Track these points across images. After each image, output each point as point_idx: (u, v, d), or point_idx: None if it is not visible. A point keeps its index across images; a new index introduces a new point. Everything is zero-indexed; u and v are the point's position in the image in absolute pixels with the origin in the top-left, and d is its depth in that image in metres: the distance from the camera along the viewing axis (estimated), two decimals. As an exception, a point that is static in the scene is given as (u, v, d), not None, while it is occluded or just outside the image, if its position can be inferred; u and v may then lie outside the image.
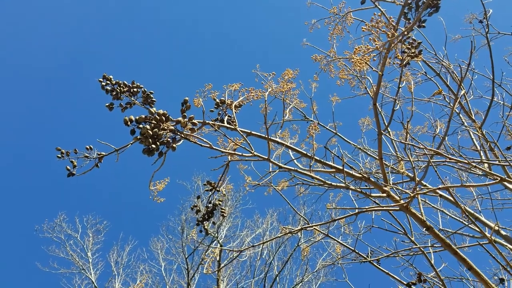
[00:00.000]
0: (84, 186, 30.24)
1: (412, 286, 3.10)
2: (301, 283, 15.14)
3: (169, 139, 2.55)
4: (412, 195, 2.89)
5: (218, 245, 15.90)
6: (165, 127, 2.47)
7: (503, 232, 6.51)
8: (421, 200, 5.82)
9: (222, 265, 15.03)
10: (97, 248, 18.37)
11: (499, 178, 2.81)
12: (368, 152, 6.88)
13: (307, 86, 5.49)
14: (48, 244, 19.13)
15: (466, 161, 2.98)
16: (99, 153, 3.67)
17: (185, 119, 2.59)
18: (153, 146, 2.42)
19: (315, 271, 15.49)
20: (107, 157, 3.68)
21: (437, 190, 6.89)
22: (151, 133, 2.39)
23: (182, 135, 2.60)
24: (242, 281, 16.25)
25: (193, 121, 2.65)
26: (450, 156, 2.87)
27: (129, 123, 2.48)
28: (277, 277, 15.29)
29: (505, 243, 6.29)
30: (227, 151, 3.14)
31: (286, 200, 5.18)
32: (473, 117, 6.48)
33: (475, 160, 6.19)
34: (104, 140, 3.55)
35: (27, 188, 28.84)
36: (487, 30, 6.47)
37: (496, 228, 6.28)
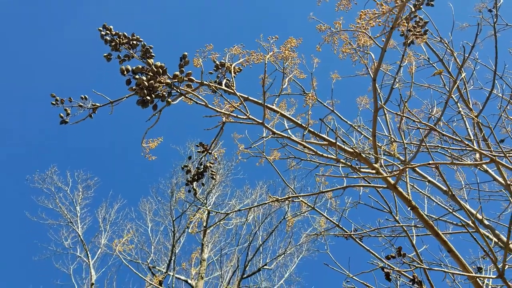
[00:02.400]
0: (78, 141, 30.22)
1: (391, 259, 3.17)
2: (283, 255, 15.43)
3: (164, 93, 2.54)
4: (401, 168, 2.92)
5: (206, 211, 16.07)
6: (162, 80, 2.45)
7: (486, 222, 6.62)
8: (410, 185, 5.89)
9: (208, 227, 15.24)
10: (86, 203, 18.54)
11: (490, 159, 2.85)
12: (363, 132, 6.90)
13: (308, 61, 5.45)
14: (38, 195, 19.22)
15: (459, 139, 3.00)
16: (93, 103, 3.66)
17: (182, 74, 2.57)
18: (148, 98, 2.41)
19: (298, 245, 15.78)
20: (101, 113, 3.67)
21: (426, 176, 6.97)
22: (146, 84, 2.37)
23: (178, 91, 2.59)
24: (226, 248, 16.52)
25: (191, 77, 2.63)
26: (444, 133, 2.88)
27: (125, 72, 2.46)
28: (261, 247, 15.56)
29: (487, 233, 6.40)
30: (222, 111, 3.14)
31: (276, 170, 5.21)
32: (471, 106, 6.49)
33: (467, 145, 6.23)
34: (101, 94, 3.53)
35: (22, 137, 28.80)
36: (495, 20, 6.41)
37: (480, 217, 6.38)
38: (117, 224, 18.11)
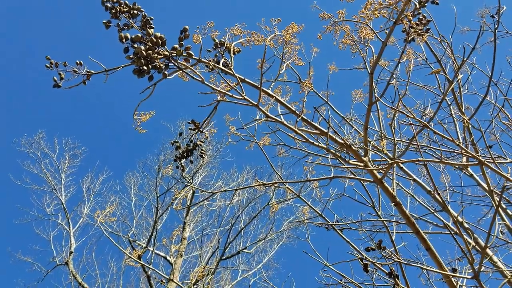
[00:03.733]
0: (68, 109, 29.90)
1: (370, 251, 3.22)
2: (264, 240, 15.56)
3: (162, 65, 2.52)
4: (390, 163, 2.94)
5: (191, 190, 16.09)
6: (160, 52, 2.42)
7: (466, 225, 6.73)
8: (395, 182, 5.95)
9: (193, 204, 15.29)
10: (71, 172, 18.44)
11: (478, 161, 2.88)
12: (354, 126, 6.93)
13: (308, 50, 5.42)
14: (23, 159, 19.06)
15: (449, 138, 3.03)
16: (88, 70, 3.62)
17: (181, 48, 2.54)
18: (145, 67, 2.39)
19: (280, 231, 15.90)
20: (96, 81, 3.63)
21: (412, 175, 7.05)
22: (144, 54, 2.35)
23: (176, 64, 2.56)
24: (207, 228, 16.60)
25: (189, 52, 2.60)
26: (436, 131, 2.91)
27: (124, 40, 2.43)
28: (242, 231, 15.66)
29: (466, 236, 6.52)
30: (218, 89, 3.12)
31: (265, 154, 5.22)
32: (463, 110, 6.54)
33: (458, 145, 6.30)
34: (97, 61, 3.49)
35: (12, 99, 28.39)
36: (496, 26, 6.43)
37: (461, 220, 6.49)
38: (101, 195, 18.10)
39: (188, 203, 16.57)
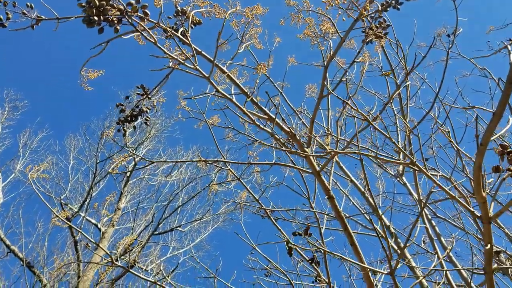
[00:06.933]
0: (13, 59, 28.17)
1: (297, 236, 3.30)
2: (199, 221, 15.54)
3: (115, 19, 2.42)
4: (329, 151, 3.02)
5: (133, 162, 15.74)
6: (114, 5, 2.33)
7: (392, 230, 7.07)
8: (332, 179, 6.12)
9: (133, 170, 14.98)
10: (9, 125, 17.49)
11: (410, 160, 3.02)
12: (302, 119, 7.03)
13: (270, 39, 5.42)
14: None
15: (388, 136, 3.16)
16: (38, 15, 3.43)
17: (138, 4, 2.45)
18: (95, 18, 2.28)
19: (216, 214, 15.96)
20: (46, 31, 3.45)
21: (350, 175, 7.28)
22: (97, 3, 2.24)
23: (130, 21, 2.47)
24: (144, 202, 16.36)
25: (146, 11, 2.51)
26: (377, 127, 3.01)
27: (78, -15, 2.30)
28: (179, 208, 15.55)
29: (389, 238, 6.83)
30: (171, 54, 3.05)
31: (212, 134, 5.19)
32: (407, 120, 6.82)
33: (392, 157, 6.56)
34: (49, 7, 3.31)
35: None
36: (450, 45, 6.72)
37: (388, 224, 6.80)
38: (37, 153, 17.30)
39: (128, 174, 16.22)
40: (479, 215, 2.51)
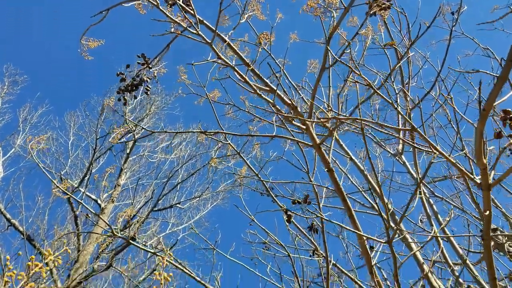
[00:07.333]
0: (14, 34, 27.90)
1: (296, 204, 3.33)
2: (198, 198, 15.63)
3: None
4: (332, 117, 3.02)
5: (133, 140, 15.75)
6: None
7: (390, 207, 7.12)
8: (332, 157, 6.14)
9: (134, 140, 15.00)
10: (9, 99, 17.44)
11: (411, 127, 3.03)
12: (303, 94, 7.02)
13: (272, 16, 5.36)
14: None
15: (389, 101, 3.16)
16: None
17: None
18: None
19: (216, 192, 16.04)
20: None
21: (349, 153, 7.30)
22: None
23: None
24: (144, 178, 16.42)
25: (148, -27, 2.48)
26: (380, 93, 3.01)
27: None
28: (179, 185, 15.63)
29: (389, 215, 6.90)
30: (173, 18, 3.02)
31: (213, 108, 5.18)
32: (408, 99, 6.80)
33: (393, 134, 6.55)
34: None
35: None
36: (454, 24, 6.65)
37: (386, 201, 6.84)
38: (37, 128, 17.29)
39: (128, 151, 16.26)
40: (479, 182, 2.53)
